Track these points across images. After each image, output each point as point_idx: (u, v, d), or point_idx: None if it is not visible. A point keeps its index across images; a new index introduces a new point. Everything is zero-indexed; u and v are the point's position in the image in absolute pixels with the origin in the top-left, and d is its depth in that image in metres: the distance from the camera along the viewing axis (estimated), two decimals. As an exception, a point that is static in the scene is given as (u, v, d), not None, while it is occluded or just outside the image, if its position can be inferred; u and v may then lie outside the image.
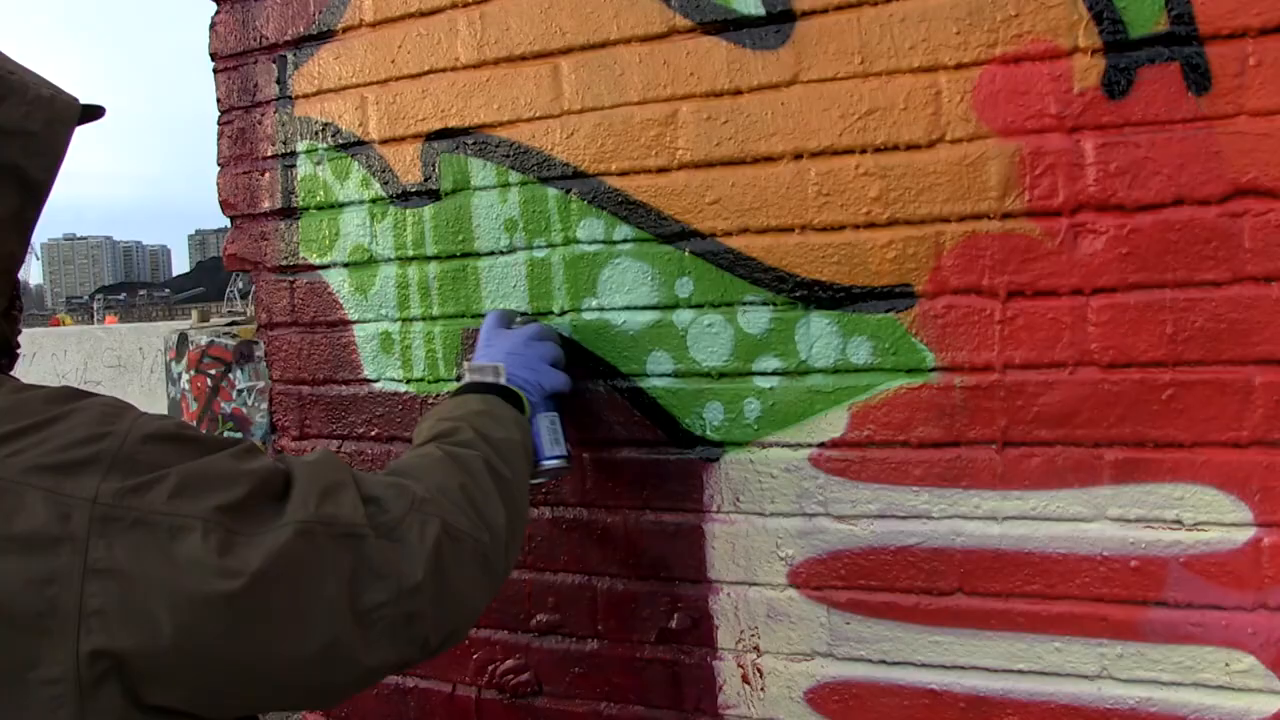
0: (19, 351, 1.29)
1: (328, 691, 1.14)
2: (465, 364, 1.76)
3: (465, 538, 1.27)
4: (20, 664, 0.94)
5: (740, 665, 1.90)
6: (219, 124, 2.33)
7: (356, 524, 1.13)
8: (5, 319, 1.23)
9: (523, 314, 2.00)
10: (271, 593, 1.03)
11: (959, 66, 1.66)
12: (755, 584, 1.88)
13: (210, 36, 2.31)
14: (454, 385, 2.02)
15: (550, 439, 1.78)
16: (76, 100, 1.24)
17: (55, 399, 1.08)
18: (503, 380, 1.69)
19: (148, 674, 0.97)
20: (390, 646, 1.14)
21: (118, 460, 1.00)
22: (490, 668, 2.11)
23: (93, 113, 1.30)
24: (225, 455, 1.10)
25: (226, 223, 2.36)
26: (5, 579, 0.95)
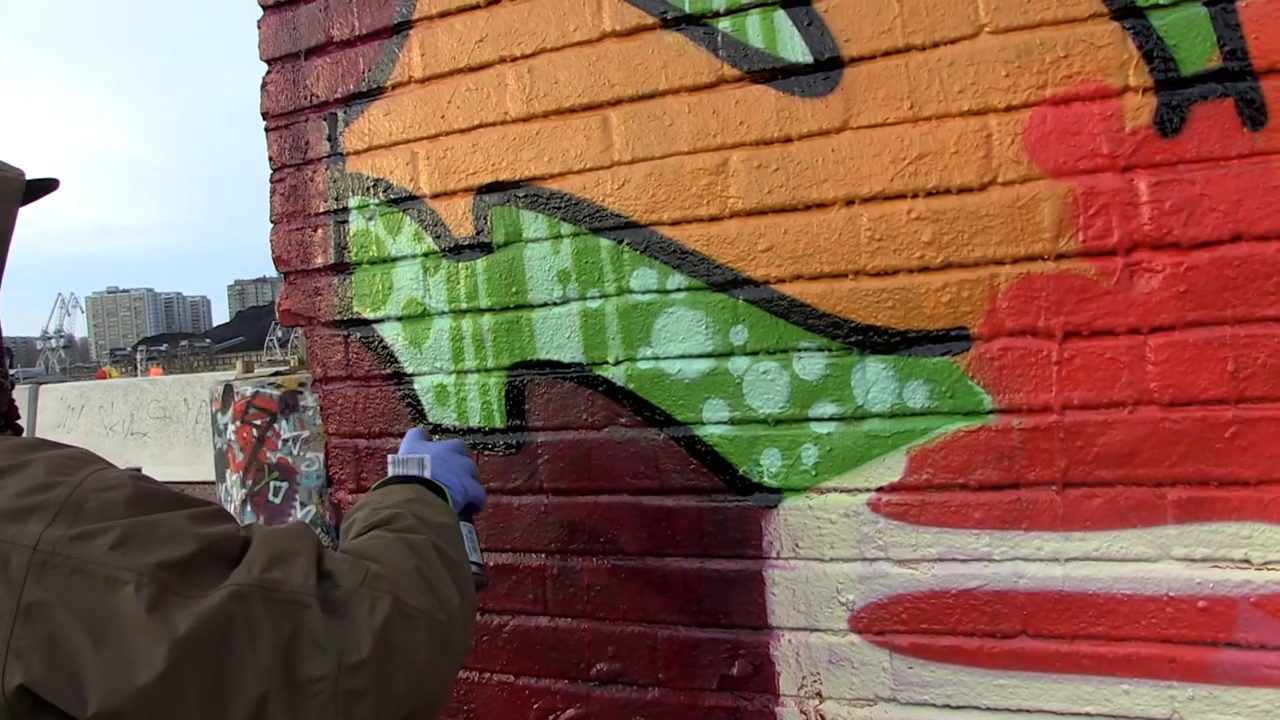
0: (19, 423, 1.29)
1: None
2: (390, 458, 1.72)
3: (420, 615, 1.22)
4: None
5: (803, 711, 1.89)
6: (271, 181, 2.36)
7: (302, 592, 1.09)
8: None
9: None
10: (197, 656, 0.99)
11: (1009, 109, 1.67)
12: (816, 629, 1.87)
13: (262, 96, 2.35)
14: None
15: (470, 546, 1.72)
16: (22, 175, 1.24)
17: (20, 448, 1.08)
18: (427, 473, 1.66)
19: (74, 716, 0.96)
20: None
21: (65, 508, 1.01)
22: (551, 717, 2.11)
23: (44, 186, 1.30)
24: (180, 514, 1.08)
25: (265, 273, 2.39)
26: None
